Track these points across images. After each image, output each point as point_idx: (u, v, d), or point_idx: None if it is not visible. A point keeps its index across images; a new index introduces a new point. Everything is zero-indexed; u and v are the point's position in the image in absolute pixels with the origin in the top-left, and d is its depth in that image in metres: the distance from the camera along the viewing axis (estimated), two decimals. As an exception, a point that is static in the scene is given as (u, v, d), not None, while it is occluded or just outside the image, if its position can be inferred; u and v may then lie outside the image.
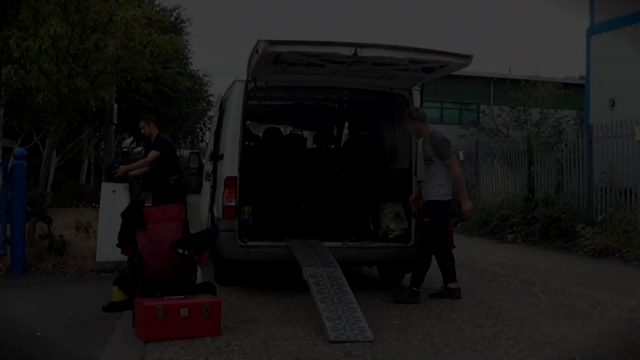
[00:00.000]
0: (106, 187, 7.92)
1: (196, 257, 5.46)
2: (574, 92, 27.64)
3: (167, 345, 4.67)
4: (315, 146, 9.48)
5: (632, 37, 14.46)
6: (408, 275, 7.53)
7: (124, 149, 30.40)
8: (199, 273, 5.87)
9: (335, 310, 5.26)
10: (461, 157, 17.08)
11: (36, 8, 8.47)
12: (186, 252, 5.31)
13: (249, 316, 5.66)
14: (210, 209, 7.38)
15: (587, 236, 10.72)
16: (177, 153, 35.31)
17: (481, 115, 30.95)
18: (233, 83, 6.89)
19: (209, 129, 10.20)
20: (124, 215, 5.31)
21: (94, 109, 14.80)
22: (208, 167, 8.03)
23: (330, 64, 6.12)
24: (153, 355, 4.46)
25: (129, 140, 30.58)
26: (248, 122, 8.36)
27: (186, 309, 4.88)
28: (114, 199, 7.76)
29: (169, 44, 9.11)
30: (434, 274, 7.83)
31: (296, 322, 5.48)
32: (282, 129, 9.68)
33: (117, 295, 5.91)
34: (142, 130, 8.43)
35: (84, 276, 7.72)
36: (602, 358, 4.60)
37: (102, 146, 24.03)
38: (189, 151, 15.16)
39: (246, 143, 7.14)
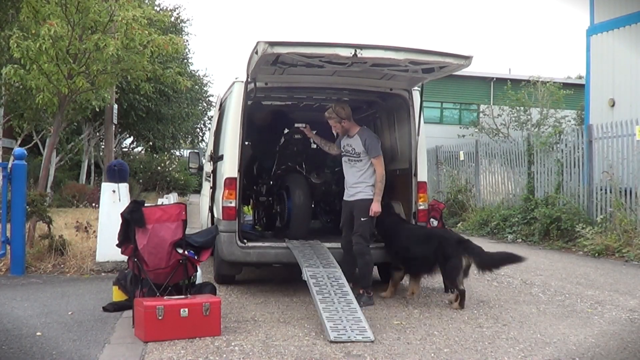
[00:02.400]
0: (106, 187, 7.92)
1: (196, 257, 5.46)
2: (574, 92, 27.64)
3: (167, 345, 4.68)
4: (315, 146, 9.46)
5: (632, 37, 14.46)
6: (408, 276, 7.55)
7: (124, 149, 30.41)
8: (199, 273, 5.87)
9: (335, 310, 5.27)
10: (461, 157, 17.10)
11: (36, 8, 8.47)
12: (186, 252, 5.32)
13: (249, 316, 5.67)
14: (210, 210, 7.39)
15: (587, 236, 10.73)
16: (178, 152, 34.90)
17: (481, 115, 30.93)
18: (233, 84, 6.89)
19: (209, 129, 10.18)
20: (124, 215, 5.31)
21: (97, 109, 14.87)
22: (208, 167, 8.03)
23: (330, 65, 6.12)
24: (153, 355, 4.47)
25: (129, 140, 30.60)
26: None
27: (186, 309, 4.89)
28: (114, 199, 7.76)
29: (169, 44, 9.10)
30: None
31: (296, 322, 5.49)
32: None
33: (117, 295, 5.93)
34: None
35: (83, 276, 7.72)
36: (602, 358, 4.60)
37: (102, 146, 24.02)
38: (189, 151, 15.16)
39: (246, 143, 7.13)
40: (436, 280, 7.40)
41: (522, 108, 27.95)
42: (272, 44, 5.34)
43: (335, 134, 7.05)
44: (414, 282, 6.74)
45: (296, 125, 7.48)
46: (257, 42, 5.41)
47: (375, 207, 6.33)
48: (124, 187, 7.91)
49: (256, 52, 5.50)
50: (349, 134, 6.56)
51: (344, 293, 5.59)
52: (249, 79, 6.36)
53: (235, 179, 6.51)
